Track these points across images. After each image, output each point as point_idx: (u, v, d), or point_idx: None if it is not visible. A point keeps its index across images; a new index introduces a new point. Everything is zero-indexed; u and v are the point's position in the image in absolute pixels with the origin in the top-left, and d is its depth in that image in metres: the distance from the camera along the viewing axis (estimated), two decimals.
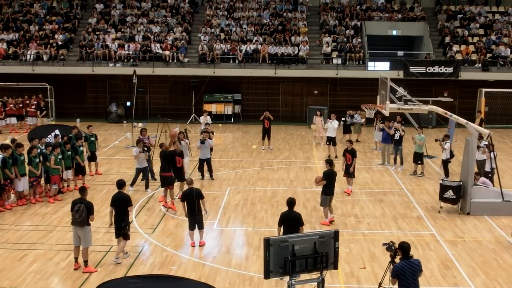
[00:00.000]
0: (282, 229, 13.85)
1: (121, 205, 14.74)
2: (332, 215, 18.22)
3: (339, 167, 23.19)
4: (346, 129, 30.67)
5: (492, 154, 20.35)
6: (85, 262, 14.46)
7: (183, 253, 15.78)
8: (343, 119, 30.82)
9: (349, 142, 21.81)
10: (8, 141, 22.91)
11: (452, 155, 23.86)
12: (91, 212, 14.25)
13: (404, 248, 11.05)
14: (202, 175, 23.08)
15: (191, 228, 16.04)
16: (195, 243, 16.16)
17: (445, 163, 23.53)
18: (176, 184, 20.15)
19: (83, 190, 14.83)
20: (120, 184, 15.12)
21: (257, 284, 13.82)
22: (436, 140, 24.30)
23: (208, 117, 29.26)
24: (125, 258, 15.12)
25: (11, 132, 33.01)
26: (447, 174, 23.34)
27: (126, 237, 14.90)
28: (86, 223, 14.21)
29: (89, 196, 20.55)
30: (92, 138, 23.80)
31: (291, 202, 13.95)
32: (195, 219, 15.89)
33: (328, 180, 17.66)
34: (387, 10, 41.78)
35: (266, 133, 29.28)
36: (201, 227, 16.08)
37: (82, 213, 14.06)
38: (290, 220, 13.77)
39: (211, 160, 23.42)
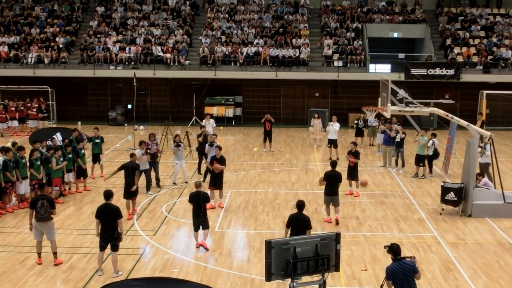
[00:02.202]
0: (289, 231, 13.85)
1: (109, 216, 14.08)
2: (337, 215, 18.27)
3: (340, 169, 23.22)
4: (359, 132, 30.62)
5: None
6: (55, 254, 15.02)
7: (184, 255, 15.78)
8: (355, 121, 30.80)
9: (353, 144, 21.81)
10: (9, 144, 22.91)
11: (436, 152, 24.53)
12: (53, 207, 14.91)
13: (393, 249, 11.05)
14: (204, 178, 22.85)
15: (196, 229, 16.09)
16: (199, 244, 16.17)
17: (429, 160, 24.46)
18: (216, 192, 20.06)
19: (42, 186, 15.73)
20: (108, 195, 14.39)
21: (258, 286, 13.80)
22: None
23: (212, 120, 29.02)
24: (114, 278, 14.29)
25: (12, 135, 33.03)
26: (430, 170, 24.57)
27: (115, 248, 14.26)
28: (50, 218, 14.84)
29: (91, 199, 20.78)
30: (97, 140, 23.78)
31: (300, 205, 13.94)
32: (199, 222, 15.89)
33: (327, 181, 18.08)
34: (388, 12, 41.78)
35: (267, 135, 29.23)
36: (205, 227, 16.03)
37: (47, 208, 14.65)
38: (298, 223, 13.75)
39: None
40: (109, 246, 14.22)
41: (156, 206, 20.13)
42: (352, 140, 24.69)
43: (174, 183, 22.88)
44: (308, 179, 24.12)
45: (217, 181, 19.80)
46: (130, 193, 18.80)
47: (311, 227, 13.80)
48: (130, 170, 18.77)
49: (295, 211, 14.02)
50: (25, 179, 19.54)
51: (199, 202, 15.74)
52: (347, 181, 21.69)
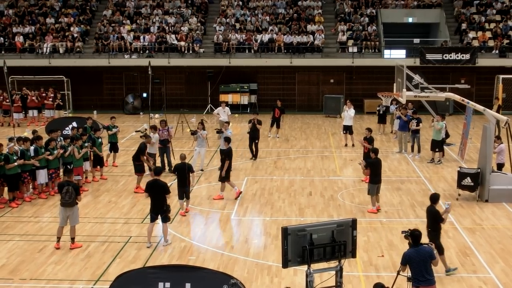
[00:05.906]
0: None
1: (157, 192, 15.36)
2: (378, 204, 18.34)
3: (355, 155, 23.23)
4: (381, 118, 30.36)
5: None
6: (72, 239, 15.47)
7: (201, 243, 15.86)
8: (378, 108, 30.50)
9: (368, 130, 21.73)
10: (26, 133, 23.07)
11: (447, 135, 25.19)
12: (78, 193, 15.47)
13: (415, 235, 11.11)
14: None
15: (181, 197, 17.85)
16: (187, 209, 18.06)
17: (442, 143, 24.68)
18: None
19: (68, 172, 16.45)
20: (158, 171, 15.94)
21: (275, 273, 13.85)
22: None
23: (227, 108, 28.86)
24: (165, 246, 15.51)
25: (28, 125, 33.20)
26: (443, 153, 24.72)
27: (166, 219, 15.49)
28: (75, 203, 15.32)
29: (107, 187, 20.89)
30: (114, 129, 23.78)
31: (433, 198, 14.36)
32: (185, 191, 17.69)
33: (373, 169, 17.94)
34: None
35: (276, 121, 29.46)
36: (188, 197, 18.05)
37: (72, 194, 15.13)
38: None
39: None
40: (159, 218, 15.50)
41: (171, 194, 20.12)
42: (368, 126, 24.57)
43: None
44: (324, 165, 24.08)
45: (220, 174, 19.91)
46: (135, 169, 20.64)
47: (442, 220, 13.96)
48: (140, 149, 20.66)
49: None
50: (43, 169, 19.60)
51: (184, 173, 17.46)
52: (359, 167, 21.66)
